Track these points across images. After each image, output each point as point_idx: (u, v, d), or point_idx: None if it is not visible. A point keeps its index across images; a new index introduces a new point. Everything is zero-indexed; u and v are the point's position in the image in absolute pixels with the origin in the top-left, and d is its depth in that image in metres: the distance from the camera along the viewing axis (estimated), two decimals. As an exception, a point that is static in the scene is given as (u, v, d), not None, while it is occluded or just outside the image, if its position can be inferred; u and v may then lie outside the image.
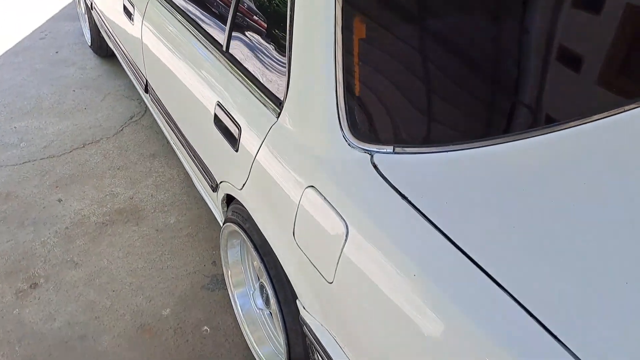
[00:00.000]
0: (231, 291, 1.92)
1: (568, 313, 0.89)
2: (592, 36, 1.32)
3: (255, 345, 1.81)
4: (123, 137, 3.09)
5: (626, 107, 1.24)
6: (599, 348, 0.85)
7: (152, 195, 2.66)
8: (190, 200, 2.61)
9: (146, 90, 2.42)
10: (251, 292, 1.88)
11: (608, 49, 1.30)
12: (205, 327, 2.03)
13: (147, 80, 2.37)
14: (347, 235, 1.14)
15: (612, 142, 1.19)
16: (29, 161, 2.91)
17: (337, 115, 1.23)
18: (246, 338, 1.86)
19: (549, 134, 1.19)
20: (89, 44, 3.85)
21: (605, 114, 1.21)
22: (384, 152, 1.20)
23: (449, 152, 1.19)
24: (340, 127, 1.23)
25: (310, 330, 1.36)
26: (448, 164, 1.18)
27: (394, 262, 1.05)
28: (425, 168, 1.18)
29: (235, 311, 1.90)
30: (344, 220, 1.15)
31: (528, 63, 1.29)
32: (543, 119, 1.25)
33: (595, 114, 1.20)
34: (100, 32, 3.42)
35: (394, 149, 1.20)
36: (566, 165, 1.16)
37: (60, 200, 2.63)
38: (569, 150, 1.18)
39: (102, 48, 3.66)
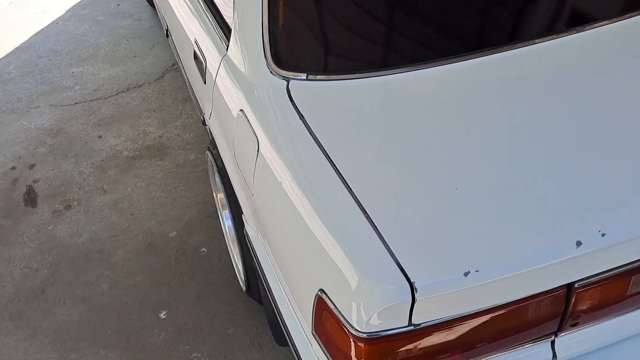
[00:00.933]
0: (220, 212, 2.18)
1: (393, 210, 1.06)
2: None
3: (235, 259, 2.07)
4: (163, 83, 3.42)
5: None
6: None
7: (178, 135, 2.97)
8: (211, 140, 2.90)
9: (167, 35, 2.70)
10: (236, 216, 2.13)
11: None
12: (204, 249, 2.33)
13: (167, 25, 2.64)
14: (257, 151, 1.35)
15: (493, 75, 1.31)
16: (80, 102, 3.32)
17: (262, 46, 1.42)
18: (230, 253, 2.13)
19: (442, 66, 1.32)
20: (145, -4, 4.21)
21: (492, 49, 1.33)
22: (298, 79, 1.38)
23: (354, 80, 1.36)
24: (265, 56, 1.42)
25: (249, 241, 1.59)
26: (351, 90, 1.35)
27: (280, 171, 1.24)
28: (331, 93, 1.35)
29: (223, 230, 2.17)
30: (256, 137, 1.36)
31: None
32: (440, 52, 1.37)
33: (484, 49, 1.32)
34: (150, -16, 3.75)
35: (307, 77, 1.38)
36: (450, 93, 1.29)
37: (100, 137, 3.02)
38: (456, 80, 1.31)
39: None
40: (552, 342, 1.11)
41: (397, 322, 0.98)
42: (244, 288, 1.98)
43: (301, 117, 1.29)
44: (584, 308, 1.05)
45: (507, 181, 1.07)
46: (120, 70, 3.58)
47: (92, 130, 3.08)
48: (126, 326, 2.08)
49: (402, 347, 1.01)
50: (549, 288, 1.00)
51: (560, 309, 1.04)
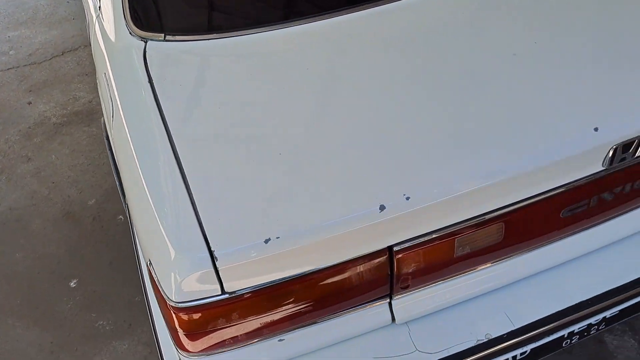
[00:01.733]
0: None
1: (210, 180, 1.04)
2: None
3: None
4: (99, 45, 3.35)
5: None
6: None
7: (109, 99, 2.92)
8: (140, 104, 2.85)
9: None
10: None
11: None
12: (121, 216, 2.32)
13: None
14: (113, 115, 1.32)
15: (346, 36, 1.28)
16: (13, 67, 3.26)
17: (122, 8, 1.37)
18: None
19: (295, 27, 1.29)
20: (86, -45, 4.09)
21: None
22: (156, 40, 1.34)
23: (211, 40, 1.32)
24: (125, 18, 1.37)
25: (129, 211, 1.57)
26: (207, 51, 1.32)
27: (125, 137, 1.21)
28: (187, 54, 1.32)
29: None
30: (112, 101, 1.32)
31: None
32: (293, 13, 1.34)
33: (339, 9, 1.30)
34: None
35: (164, 37, 1.34)
36: (296, 55, 1.26)
37: (30, 103, 2.97)
38: (306, 42, 1.28)
39: (94, -42, 3.88)
40: (390, 305, 1.11)
41: (209, 291, 0.97)
42: (147, 255, 1.97)
43: (150, 79, 1.25)
44: (411, 271, 1.04)
45: (323, 146, 1.05)
46: (57, 34, 3.50)
47: (22, 96, 3.03)
48: (36, 295, 2.08)
49: (220, 315, 1.00)
50: (367, 252, 0.99)
51: (385, 272, 1.03)
